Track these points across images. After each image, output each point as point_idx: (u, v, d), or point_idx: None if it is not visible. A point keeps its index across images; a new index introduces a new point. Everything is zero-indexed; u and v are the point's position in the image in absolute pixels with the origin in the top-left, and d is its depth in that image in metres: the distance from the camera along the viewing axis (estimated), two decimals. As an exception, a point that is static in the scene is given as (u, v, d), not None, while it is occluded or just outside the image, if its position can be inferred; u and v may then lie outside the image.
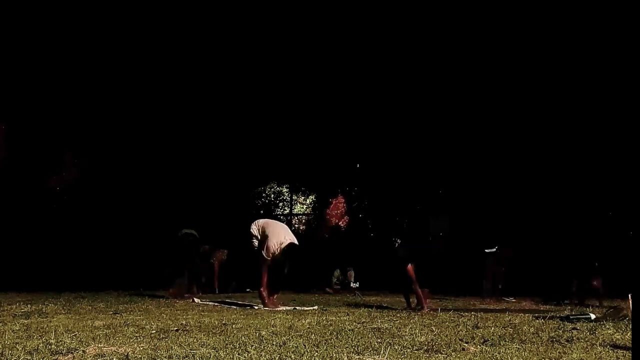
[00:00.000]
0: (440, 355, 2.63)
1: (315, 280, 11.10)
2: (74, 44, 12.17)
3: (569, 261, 8.24)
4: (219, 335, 3.17)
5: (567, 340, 3.11)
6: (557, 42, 11.68)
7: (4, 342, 2.86)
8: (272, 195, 15.70)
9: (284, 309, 5.75)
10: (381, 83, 13.48)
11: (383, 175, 14.20)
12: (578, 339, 3.17)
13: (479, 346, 2.89)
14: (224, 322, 4.01)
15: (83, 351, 2.60)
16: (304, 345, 2.76)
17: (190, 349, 2.61)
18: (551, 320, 4.37)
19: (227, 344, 2.80)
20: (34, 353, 2.51)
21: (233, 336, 3.13)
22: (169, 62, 12.84)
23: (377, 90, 13.58)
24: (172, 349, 2.61)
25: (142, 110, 12.97)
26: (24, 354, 2.48)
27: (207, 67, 13.22)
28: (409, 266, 5.88)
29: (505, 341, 3.05)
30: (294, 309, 5.75)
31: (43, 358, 2.43)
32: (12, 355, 2.45)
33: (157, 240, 10.10)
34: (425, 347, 2.80)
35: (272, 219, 7.60)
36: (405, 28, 12.68)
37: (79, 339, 3.01)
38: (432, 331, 3.48)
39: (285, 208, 15.85)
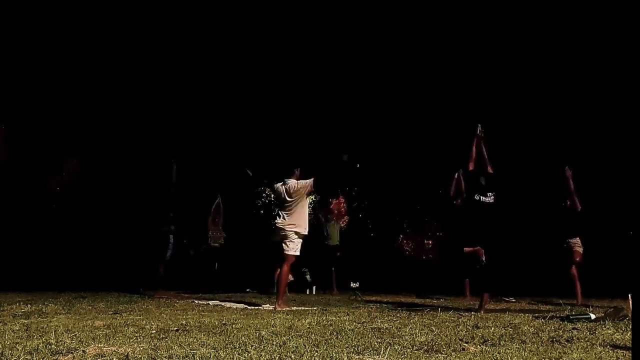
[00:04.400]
0: (440, 355, 2.63)
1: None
2: (73, 44, 12.16)
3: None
4: (219, 335, 3.18)
5: (567, 340, 3.11)
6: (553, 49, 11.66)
7: (4, 342, 2.87)
8: (272, 195, 15.66)
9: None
10: (381, 83, 13.47)
11: (383, 175, 14.18)
12: (578, 339, 3.17)
13: (479, 346, 2.89)
14: (224, 322, 4.01)
15: (83, 351, 2.60)
16: (304, 345, 2.76)
17: (190, 349, 2.61)
18: (551, 320, 4.37)
19: (227, 344, 2.80)
20: (34, 353, 2.52)
21: (233, 336, 3.13)
22: (168, 62, 12.83)
23: (378, 91, 13.57)
24: (172, 349, 2.61)
25: (142, 111, 12.97)
26: (24, 354, 2.48)
27: (206, 67, 13.21)
28: None
29: (505, 341, 3.05)
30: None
31: (43, 358, 2.43)
32: (12, 355, 2.45)
33: (157, 240, 10.09)
34: (425, 347, 2.80)
35: (272, 219, 7.42)
36: (406, 28, 12.67)
37: (79, 339, 3.01)
38: (432, 331, 3.48)
39: (286, 208, 15.82)
